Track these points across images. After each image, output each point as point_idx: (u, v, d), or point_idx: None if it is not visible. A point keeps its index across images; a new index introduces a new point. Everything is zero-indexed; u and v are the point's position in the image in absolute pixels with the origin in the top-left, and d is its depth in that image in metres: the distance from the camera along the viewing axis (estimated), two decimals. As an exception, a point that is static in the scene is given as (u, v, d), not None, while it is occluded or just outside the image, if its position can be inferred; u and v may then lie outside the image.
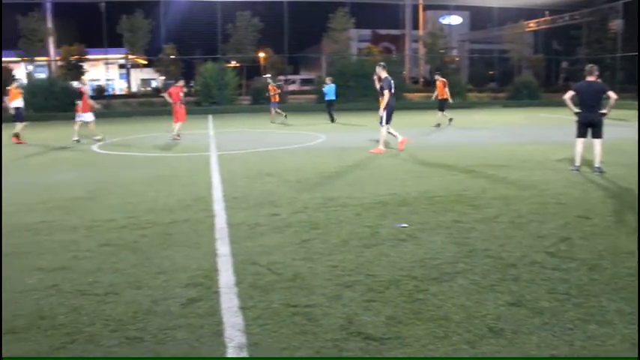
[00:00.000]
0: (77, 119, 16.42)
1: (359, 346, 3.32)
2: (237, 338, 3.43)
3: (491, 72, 45.29)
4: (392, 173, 9.51)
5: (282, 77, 37.29)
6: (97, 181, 9.31)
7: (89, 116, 16.48)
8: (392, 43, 56.78)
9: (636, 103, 25.51)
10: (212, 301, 4.00)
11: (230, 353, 3.26)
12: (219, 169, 10.27)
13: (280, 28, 34.62)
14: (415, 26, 52.07)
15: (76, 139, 15.84)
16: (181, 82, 17.63)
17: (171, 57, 38.15)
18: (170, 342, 3.41)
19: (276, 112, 22.29)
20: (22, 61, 38.07)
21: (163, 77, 43.13)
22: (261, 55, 44.06)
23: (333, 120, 21.91)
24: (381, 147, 12.48)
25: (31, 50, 35.07)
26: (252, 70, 40.63)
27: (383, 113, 12.36)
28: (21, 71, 43.28)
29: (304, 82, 49.55)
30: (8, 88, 17.64)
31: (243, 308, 3.86)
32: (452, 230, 5.83)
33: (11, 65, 43.17)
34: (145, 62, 44.87)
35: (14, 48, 35.41)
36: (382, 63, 12.88)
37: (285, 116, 21.93)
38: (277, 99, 22.93)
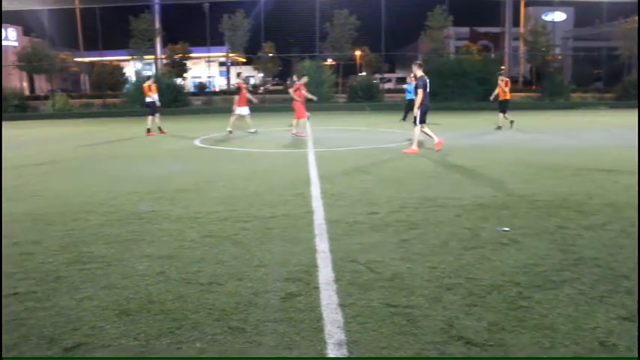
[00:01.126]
0: (235, 112, 17.67)
1: (460, 351, 3.25)
2: (337, 335, 3.45)
3: (596, 71, 43.00)
4: (492, 175, 9.22)
5: (377, 75, 37.18)
6: (200, 174, 9.68)
7: (245, 110, 17.67)
8: (491, 41, 55.21)
9: None
10: (311, 297, 4.05)
11: (330, 349, 3.28)
12: (317, 165, 10.39)
13: (377, 26, 34.55)
14: (516, 23, 50.30)
15: (229, 129, 17.24)
16: (304, 79, 17.85)
17: (270, 55, 38.99)
18: (271, 334, 3.48)
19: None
20: (132, 59, 40.30)
21: (261, 74, 44.18)
22: (358, 53, 44.18)
23: (407, 119, 20.91)
24: (414, 147, 12.36)
25: (140, 49, 37.05)
26: (348, 68, 40.82)
27: (417, 112, 12.27)
28: (130, 69, 45.88)
29: (400, 80, 49.18)
30: (144, 85, 19.05)
31: (342, 305, 3.88)
32: (556, 236, 5.58)
33: (122, 63, 45.88)
34: (244, 60, 46.16)
35: (126, 47, 37.59)
36: (418, 61, 12.74)
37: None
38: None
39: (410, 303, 3.92)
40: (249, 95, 18.22)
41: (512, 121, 18.34)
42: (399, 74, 54.50)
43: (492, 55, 43.92)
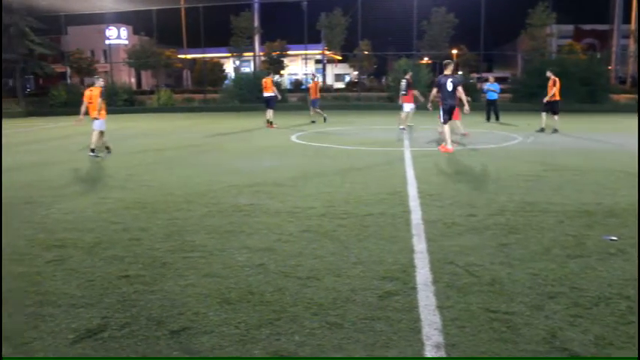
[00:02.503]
0: (404, 110, 17.87)
1: (564, 363, 3.15)
2: (435, 337, 3.42)
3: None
4: (596, 180, 8.77)
5: (475, 75, 36.29)
6: (296, 169, 9.87)
7: (408, 107, 17.88)
8: (597, 39, 52.44)
9: None
10: (409, 297, 4.04)
11: (428, 351, 3.27)
12: (413, 165, 10.31)
13: (476, 24, 33.73)
14: (626, 20, 47.44)
15: (402, 127, 17.53)
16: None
17: (366, 53, 39.02)
18: (369, 332, 3.50)
19: (315, 111, 21.84)
20: (232, 56, 41.65)
21: (357, 72, 44.33)
22: (454, 52, 43.35)
23: (494, 118, 21.02)
24: (449, 146, 12.18)
25: (239, 47, 38.21)
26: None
27: (440, 112, 12.58)
28: (229, 66, 47.41)
29: (498, 80, 47.73)
30: (264, 80, 20.01)
31: (440, 307, 3.84)
32: (670, 248, 5.25)
33: (222, 60, 47.46)
34: (340, 58, 46.49)
35: (226, 45, 38.91)
36: (446, 61, 12.85)
37: (325, 119, 21.45)
38: (318, 96, 22.37)
39: (510, 309, 3.82)
40: (416, 92, 18.22)
41: (542, 129, 16.92)
42: (497, 74, 52.90)
43: (598, 55, 41.75)
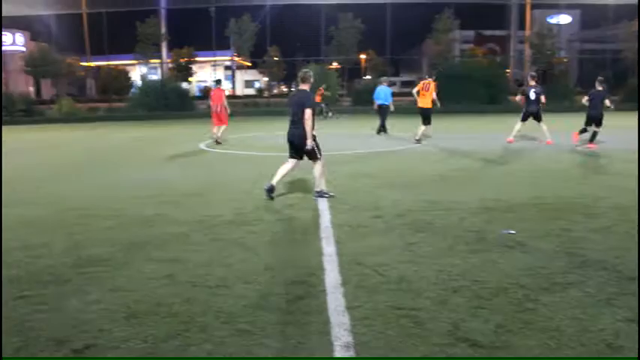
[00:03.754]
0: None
1: (466, 353, 3.27)
2: (344, 337, 3.46)
3: (602, 73, 42.87)
4: (497, 178, 9.23)
5: (383, 79, 37.19)
6: (205, 177, 9.72)
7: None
8: (497, 44, 55.10)
9: None
10: (319, 300, 4.07)
11: (337, 351, 3.30)
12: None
13: (382, 29, 34.63)
14: (521, 27, 50.21)
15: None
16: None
17: (275, 59, 39.10)
18: (279, 337, 3.50)
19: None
20: (138, 63, 40.52)
21: (267, 79, 44.34)
22: (363, 56, 44.27)
23: (380, 130, 17.90)
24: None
25: (146, 53, 37.24)
26: (353, 72, 40.87)
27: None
28: (136, 73, 46.10)
29: (405, 84, 49.16)
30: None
31: (349, 308, 3.89)
32: (562, 239, 5.58)
33: (128, 68, 46.07)
34: (249, 64, 46.33)
35: (132, 52, 37.80)
36: (532, 73, 14.93)
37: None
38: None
39: (417, 305, 3.94)
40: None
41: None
42: (405, 78, 54.48)
43: (498, 59, 43.87)
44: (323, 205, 7.25)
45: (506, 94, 32.21)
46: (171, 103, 29.39)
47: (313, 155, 7.61)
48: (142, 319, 3.78)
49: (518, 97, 14.72)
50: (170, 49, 42.34)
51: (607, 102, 13.48)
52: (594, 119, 13.52)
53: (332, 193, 7.74)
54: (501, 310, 3.87)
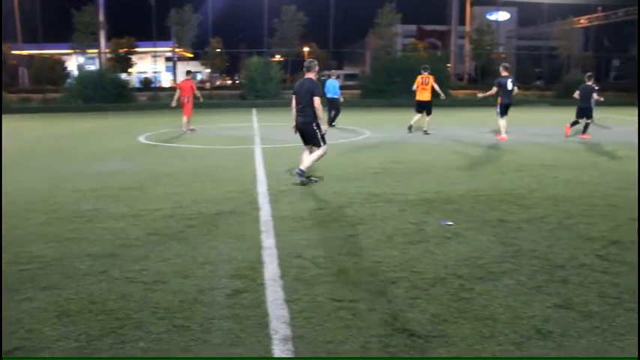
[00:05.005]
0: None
1: (404, 343, 3.31)
2: (282, 330, 3.45)
3: (538, 69, 44.26)
4: (438, 170, 9.40)
5: (325, 72, 37.23)
6: (145, 171, 9.50)
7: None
8: (438, 39, 56.15)
9: None
10: (257, 293, 4.04)
11: (275, 345, 3.29)
12: (264, 162, 10.36)
13: (325, 22, 34.69)
14: (462, 22, 51.33)
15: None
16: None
17: (217, 50, 38.60)
18: (216, 331, 3.46)
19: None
20: (75, 53, 39.18)
21: (209, 70, 43.74)
22: (306, 49, 44.27)
23: (331, 123, 17.47)
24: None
25: (83, 43, 36.03)
26: (296, 64, 40.81)
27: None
28: (72, 63, 44.57)
29: (348, 77, 49.44)
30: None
31: (288, 301, 3.89)
32: (498, 229, 5.74)
33: (64, 57, 44.46)
34: (191, 55, 45.56)
35: (68, 41, 36.47)
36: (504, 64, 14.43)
37: None
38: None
39: (355, 297, 3.96)
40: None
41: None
42: (348, 71, 54.79)
43: (439, 53, 44.69)
44: (264, 198, 7.21)
45: (447, 88, 32.79)
46: (110, 94, 28.52)
47: (317, 142, 8.11)
48: (74, 318, 3.67)
49: (494, 90, 14.07)
50: (109, 38, 41.12)
51: (595, 95, 14.34)
52: (585, 112, 14.46)
53: (316, 179, 8.34)
54: (438, 299, 3.94)
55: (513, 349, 3.25)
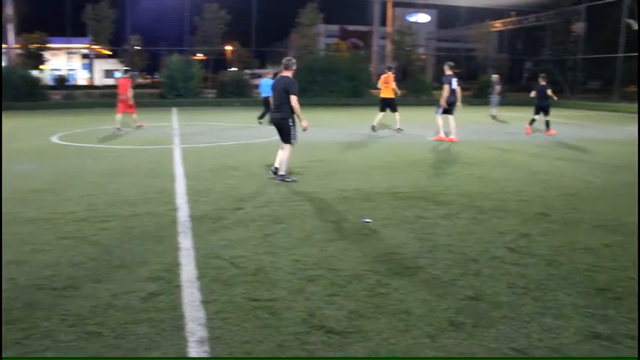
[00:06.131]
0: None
1: (321, 340, 3.33)
2: (199, 332, 3.40)
3: (457, 70, 45.68)
4: (357, 169, 9.54)
5: (248, 71, 37.01)
6: (57, 172, 9.10)
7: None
8: (360, 40, 56.91)
9: (590, 103, 26.35)
10: (173, 295, 3.96)
11: (191, 347, 3.23)
12: (183, 162, 10.16)
13: (248, 21, 34.44)
14: (383, 23, 52.27)
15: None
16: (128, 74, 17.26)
17: (136, 48, 37.53)
18: (130, 336, 3.36)
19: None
20: (-20, 48, 37.00)
21: (127, 68, 42.45)
22: (228, 48, 43.79)
23: (260, 120, 17.92)
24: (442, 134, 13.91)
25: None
26: (218, 63, 40.25)
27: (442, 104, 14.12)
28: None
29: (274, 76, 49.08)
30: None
31: (204, 302, 3.84)
32: (415, 226, 5.89)
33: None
34: (109, 53, 44.05)
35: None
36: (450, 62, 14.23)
37: None
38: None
39: (273, 296, 3.96)
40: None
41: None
42: (271, 70, 54.60)
43: (361, 53, 45.30)
44: (182, 199, 7.07)
45: (369, 87, 33.32)
46: (20, 92, 27.12)
47: (287, 138, 8.27)
48: (-25, 329, 3.46)
49: (447, 88, 13.69)
50: (18, 33, 39.10)
51: (549, 92, 15.46)
52: (543, 109, 15.46)
53: (295, 179, 8.38)
54: (355, 296, 4.00)
55: (428, 341, 3.34)
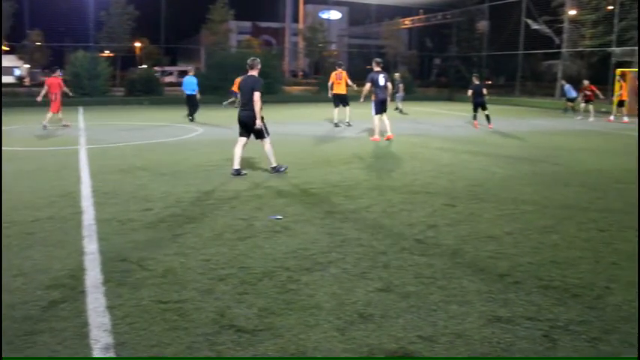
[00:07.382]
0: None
1: (230, 339, 3.32)
2: (104, 339, 3.30)
3: (368, 67, 46.49)
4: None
5: (158, 68, 36.06)
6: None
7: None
8: (272, 36, 56.85)
9: (495, 97, 27.71)
10: (77, 302, 3.82)
11: (96, 355, 3.13)
12: (89, 163, 9.75)
13: (157, 17, 33.58)
14: (295, 20, 52.46)
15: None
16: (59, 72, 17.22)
17: (37, 44, 35.70)
18: (29, 349, 3.21)
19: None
20: None
21: (28, 65, 40.36)
22: (137, 44, 42.52)
23: (191, 117, 18.38)
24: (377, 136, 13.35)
25: None
26: (126, 61, 39.00)
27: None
28: None
29: (182, 73, 48.22)
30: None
31: (110, 307, 3.72)
32: (326, 221, 5.96)
33: None
34: (7, 49, 41.67)
35: None
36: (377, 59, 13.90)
37: None
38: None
39: (182, 297, 3.90)
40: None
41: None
42: (181, 67, 53.47)
43: (273, 50, 45.24)
44: (87, 201, 6.80)
45: (281, 84, 33.37)
46: None
47: (261, 134, 8.57)
48: None
49: (368, 86, 13.17)
50: None
51: (484, 90, 16.83)
52: (481, 105, 16.66)
53: (286, 166, 8.90)
54: (266, 293, 4.00)
55: (337, 334, 3.40)
